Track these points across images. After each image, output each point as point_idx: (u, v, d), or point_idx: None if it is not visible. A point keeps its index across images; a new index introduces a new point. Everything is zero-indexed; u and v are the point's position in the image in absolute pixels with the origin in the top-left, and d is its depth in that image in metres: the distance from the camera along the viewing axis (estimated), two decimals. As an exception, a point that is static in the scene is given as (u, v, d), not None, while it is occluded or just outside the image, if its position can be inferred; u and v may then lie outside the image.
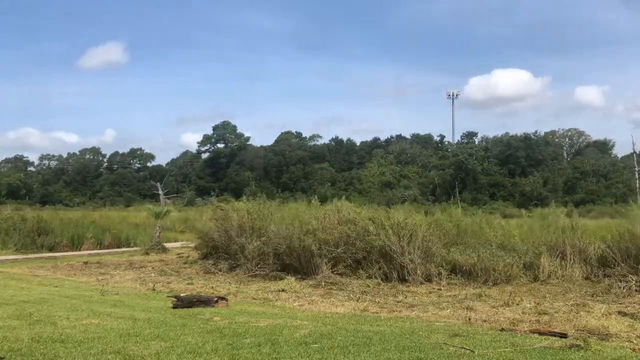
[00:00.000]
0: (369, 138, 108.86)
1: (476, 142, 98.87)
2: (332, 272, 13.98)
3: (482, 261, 12.92)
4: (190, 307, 9.25)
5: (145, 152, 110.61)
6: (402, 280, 12.96)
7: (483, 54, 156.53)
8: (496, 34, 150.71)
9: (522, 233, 15.03)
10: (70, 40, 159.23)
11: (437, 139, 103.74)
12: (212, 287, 12.52)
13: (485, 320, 8.48)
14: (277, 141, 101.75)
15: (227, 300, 9.94)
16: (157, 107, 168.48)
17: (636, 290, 11.17)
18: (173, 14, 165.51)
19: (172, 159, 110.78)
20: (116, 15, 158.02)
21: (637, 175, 72.37)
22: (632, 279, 11.74)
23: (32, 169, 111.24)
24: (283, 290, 11.87)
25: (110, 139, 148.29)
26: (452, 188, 78.83)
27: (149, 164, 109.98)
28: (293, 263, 14.62)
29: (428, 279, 12.92)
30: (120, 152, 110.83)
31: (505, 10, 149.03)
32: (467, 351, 5.96)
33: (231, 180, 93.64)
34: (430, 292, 11.63)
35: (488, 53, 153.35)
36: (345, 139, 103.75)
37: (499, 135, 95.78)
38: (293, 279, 13.36)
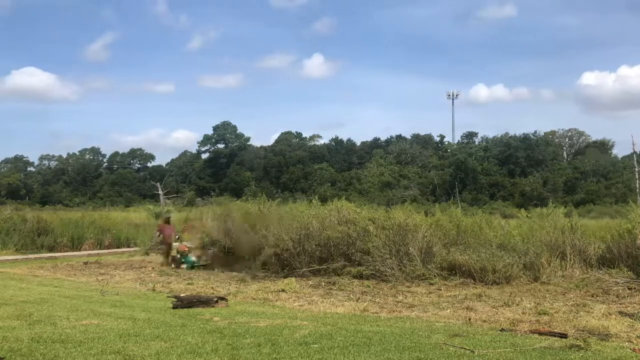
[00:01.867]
0: (369, 138, 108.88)
1: (476, 142, 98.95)
2: (332, 272, 13.99)
3: (482, 261, 12.92)
4: (190, 307, 9.25)
5: (145, 152, 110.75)
6: (402, 280, 12.96)
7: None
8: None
9: (522, 233, 15.03)
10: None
11: (437, 139, 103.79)
12: (212, 287, 12.52)
13: (485, 321, 8.48)
14: (277, 141, 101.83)
15: (227, 301, 9.94)
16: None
17: (636, 290, 11.17)
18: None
19: (172, 159, 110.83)
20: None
21: (637, 175, 72.32)
22: (632, 279, 11.75)
23: (31, 169, 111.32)
24: (283, 291, 11.86)
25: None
26: (452, 188, 78.80)
27: (148, 164, 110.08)
28: (293, 263, 14.63)
29: (428, 279, 12.91)
30: (120, 152, 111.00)
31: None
32: (467, 351, 5.96)
33: (231, 181, 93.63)
34: (430, 292, 11.62)
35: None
36: (345, 139, 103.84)
37: (499, 136, 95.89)
38: (293, 279, 13.37)
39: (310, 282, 13.13)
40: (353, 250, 14.20)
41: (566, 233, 14.14)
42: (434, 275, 13.01)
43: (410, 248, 13.60)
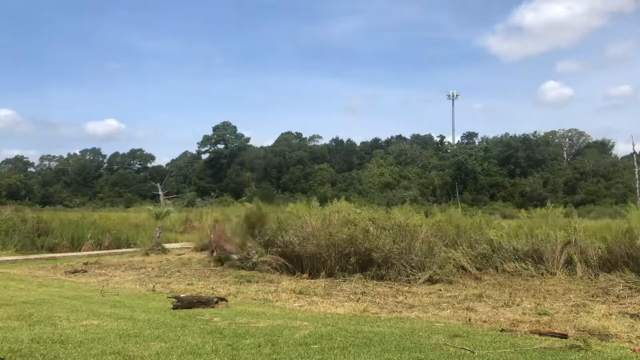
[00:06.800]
0: (369, 139, 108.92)
1: (476, 143, 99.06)
2: (333, 272, 13.99)
3: (482, 261, 12.92)
4: (190, 307, 9.25)
5: (145, 152, 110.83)
6: (403, 280, 12.96)
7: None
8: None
9: (522, 233, 15.01)
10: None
11: (437, 139, 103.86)
12: (212, 288, 12.51)
13: (485, 321, 8.47)
14: (277, 142, 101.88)
15: (227, 301, 9.94)
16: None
17: (636, 291, 11.17)
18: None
19: (172, 160, 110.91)
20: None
21: (637, 175, 72.34)
22: (632, 280, 11.74)
23: (32, 169, 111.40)
24: (283, 291, 11.87)
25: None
26: (452, 189, 78.76)
27: (149, 165, 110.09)
28: (294, 263, 14.63)
29: (428, 280, 12.91)
30: (120, 152, 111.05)
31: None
32: (468, 352, 5.96)
33: (231, 181, 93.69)
34: (430, 293, 11.61)
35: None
36: (345, 140, 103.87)
37: (499, 136, 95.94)
38: (293, 279, 13.36)
39: (311, 283, 13.13)
40: (354, 251, 14.21)
41: (567, 233, 14.15)
42: (434, 276, 13.02)
43: (410, 248, 13.60)
